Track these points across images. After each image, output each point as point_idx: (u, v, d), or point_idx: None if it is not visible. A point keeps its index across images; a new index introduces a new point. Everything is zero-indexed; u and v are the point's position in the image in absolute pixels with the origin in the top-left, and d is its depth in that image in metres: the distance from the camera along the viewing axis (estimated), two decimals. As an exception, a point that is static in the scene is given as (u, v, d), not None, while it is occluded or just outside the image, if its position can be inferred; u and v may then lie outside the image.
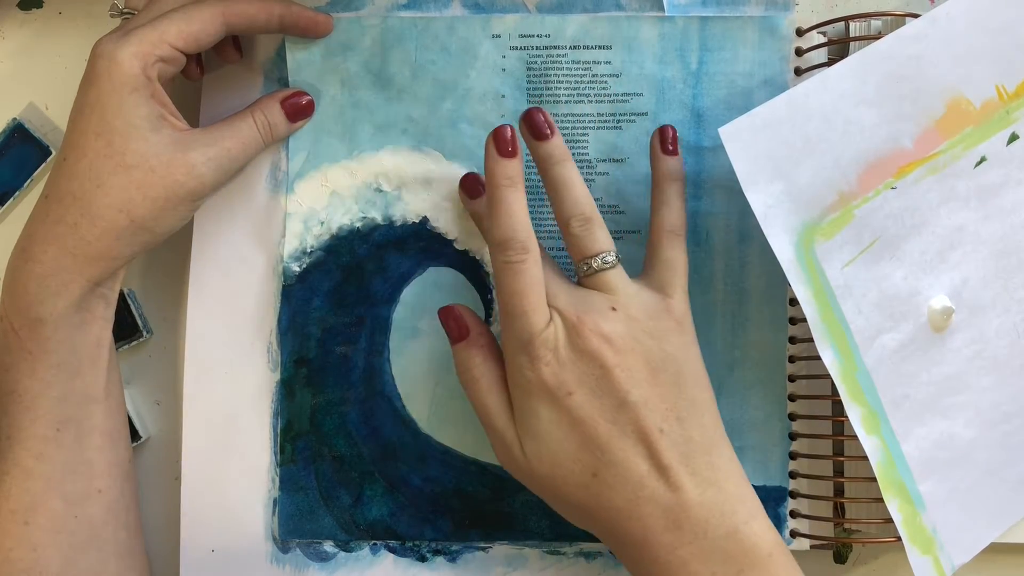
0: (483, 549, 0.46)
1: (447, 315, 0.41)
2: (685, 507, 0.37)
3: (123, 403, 0.45)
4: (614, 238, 0.45)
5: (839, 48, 0.45)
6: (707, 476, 0.37)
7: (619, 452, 0.37)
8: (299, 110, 0.46)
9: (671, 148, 0.42)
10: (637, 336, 0.38)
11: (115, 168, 0.40)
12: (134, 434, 0.47)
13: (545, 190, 0.41)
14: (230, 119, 0.44)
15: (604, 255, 0.39)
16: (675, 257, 0.41)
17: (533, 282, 0.38)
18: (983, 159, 0.43)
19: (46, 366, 0.41)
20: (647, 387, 0.37)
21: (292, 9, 0.44)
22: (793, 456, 0.45)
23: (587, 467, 0.37)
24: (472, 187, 0.45)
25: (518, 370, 0.38)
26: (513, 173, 0.39)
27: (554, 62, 0.46)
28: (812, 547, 0.46)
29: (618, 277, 0.39)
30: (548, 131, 0.40)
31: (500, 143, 0.39)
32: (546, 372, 0.37)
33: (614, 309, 0.38)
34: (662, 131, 0.42)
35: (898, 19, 0.44)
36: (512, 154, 0.39)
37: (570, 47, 0.46)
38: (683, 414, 0.38)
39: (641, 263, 0.46)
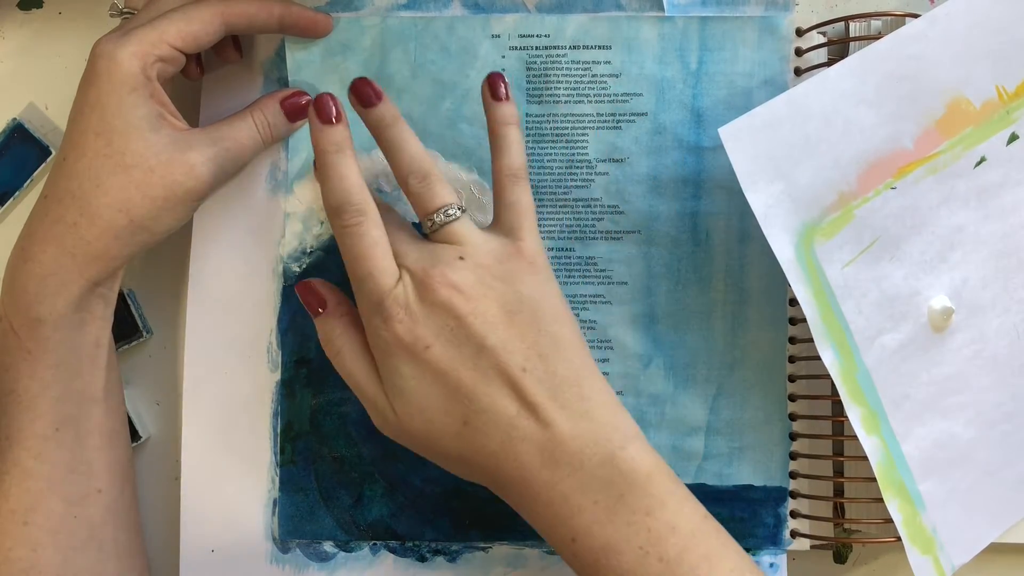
0: (483, 549, 0.46)
1: (304, 290, 0.41)
2: (558, 441, 0.37)
3: (123, 403, 0.45)
4: (614, 238, 0.46)
5: (839, 48, 0.45)
6: (577, 408, 0.37)
7: (485, 397, 0.37)
8: (299, 110, 0.46)
9: (502, 96, 0.41)
10: (487, 282, 0.38)
11: (114, 168, 0.40)
12: (134, 434, 0.47)
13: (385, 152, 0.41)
14: (230, 119, 0.44)
15: (446, 208, 0.39)
16: (519, 199, 0.40)
17: (374, 243, 0.38)
18: (983, 159, 0.43)
19: (45, 366, 0.41)
20: (503, 330, 0.37)
21: (292, 9, 0.44)
22: (793, 456, 0.45)
23: (457, 417, 0.37)
24: (365, 96, 0.41)
25: (375, 332, 0.38)
26: (339, 139, 0.39)
27: (554, 62, 0.46)
28: (812, 547, 0.45)
29: (464, 227, 0.39)
30: (375, 98, 0.40)
31: (322, 112, 0.39)
32: (400, 329, 0.37)
33: (462, 258, 0.38)
34: (491, 80, 0.41)
35: (898, 19, 0.44)
36: (336, 120, 0.39)
37: (570, 47, 0.46)
38: (545, 351, 0.38)
39: (640, 263, 0.46)
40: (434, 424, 0.38)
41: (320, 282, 0.41)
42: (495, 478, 0.38)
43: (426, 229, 0.40)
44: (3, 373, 0.41)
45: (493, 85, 0.41)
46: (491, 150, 0.41)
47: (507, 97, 0.41)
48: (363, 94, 0.40)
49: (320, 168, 0.39)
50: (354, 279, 0.39)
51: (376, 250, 0.38)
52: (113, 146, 0.40)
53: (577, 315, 0.46)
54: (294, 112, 0.45)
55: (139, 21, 0.41)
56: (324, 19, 0.45)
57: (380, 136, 0.40)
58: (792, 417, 0.46)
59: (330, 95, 0.39)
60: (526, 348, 0.37)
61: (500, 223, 0.40)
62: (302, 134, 0.46)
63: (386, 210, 0.40)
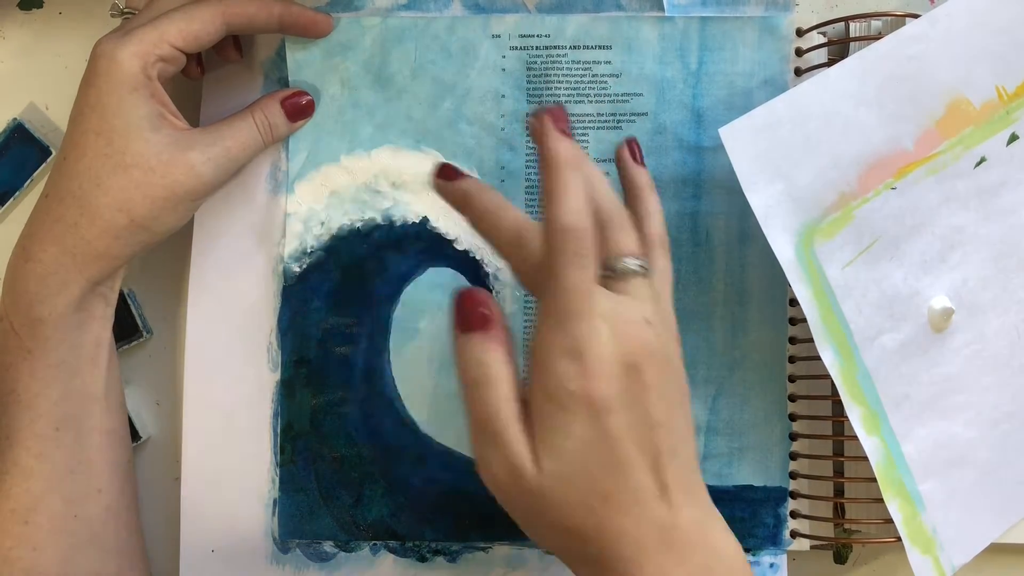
0: (483, 549, 0.46)
1: (471, 299, 0.35)
2: (678, 526, 0.34)
3: (123, 403, 0.45)
4: (614, 238, 0.45)
5: (839, 48, 0.45)
6: (696, 494, 0.35)
7: (635, 474, 0.33)
8: (299, 110, 0.46)
9: (639, 159, 0.41)
10: (667, 352, 0.35)
11: (115, 167, 0.40)
12: (134, 434, 0.47)
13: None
14: (230, 119, 0.44)
15: (634, 258, 0.35)
16: (665, 267, 0.38)
17: (595, 281, 0.33)
18: (983, 159, 0.43)
19: (46, 366, 0.41)
20: (672, 408, 0.34)
21: (292, 9, 0.44)
22: (793, 456, 0.45)
23: (602, 491, 0.33)
24: (450, 172, 0.39)
25: (559, 379, 0.33)
26: (579, 154, 0.35)
27: (554, 62, 0.46)
28: (812, 547, 0.45)
29: (647, 286, 0.35)
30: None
31: (559, 123, 0.35)
32: (594, 385, 0.32)
33: (649, 322, 0.34)
34: (630, 144, 0.41)
35: (898, 19, 0.44)
36: (569, 135, 0.35)
37: (570, 47, 0.46)
38: (687, 434, 0.35)
39: (641, 263, 0.45)
40: (576, 493, 0.33)
41: (487, 294, 0.35)
42: (601, 559, 0.34)
43: (612, 270, 0.35)
44: (3, 372, 0.41)
45: (633, 149, 0.41)
46: (632, 214, 0.38)
47: (641, 162, 0.41)
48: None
49: (556, 181, 0.34)
50: (556, 312, 0.33)
51: (594, 289, 0.33)
52: (114, 146, 0.40)
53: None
54: (295, 112, 0.45)
55: (139, 21, 0.41)
56: (324, 19, 0.45)
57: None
58: (792, 417, 0.46)
59: (561, 107, 0.36)
60: (681, 429, 0.35)
61: None
62: (302, 134, 0.46)
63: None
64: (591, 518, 0.33)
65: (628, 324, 0.33)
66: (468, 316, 0.35)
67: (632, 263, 0.35)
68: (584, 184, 0.34)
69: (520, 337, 0.46)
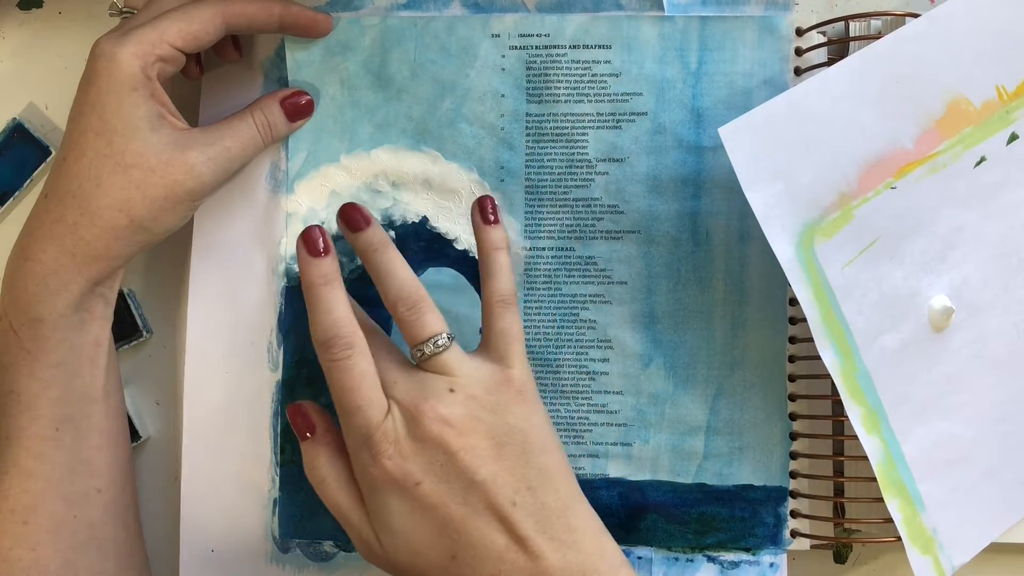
0: (483, 549, 0.46)
1: (294, 413, 0.40)
2: (548, 573, 0.36)
3: (123, 403, 0.45)
4: (614, 238, 0.46)
5: (839, 48, 0.45)
6: (565, 539, 0.37)
7: (475, 532, 0.37)
8: (299, 110, 0.46)
9: (493, 219, 0.41)
10: (477, 414, 0.38)
11: (114, 167, 0.40)
12: (134, 434, 0.47)
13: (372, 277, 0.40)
14: (229, 119, 0.44)
15: (436, 338, 0.38)
16: (509, 326, 0.40)
17: (362, 376, 0.37)
18: (983, 159, 0.43)
19: (45, 365, 0.41)
20: (493, 463, 0.37)
21: (292, 9, 0.44)
22: (793, 456, 0.45)
23: (445, 551, 0.37)
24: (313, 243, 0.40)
25: (362, 467, 0.38)
26: (327, 271, 0.38)
27: (554, 62, 0.46)
28: (812, 547, 0.45)
29: (454, 357, 0.39)
30: (363, 223, 0.40)
31: (311, 245, 0.39)
32: (389, 465, 0.37)
33: (452, 391, 0.38)
34: (480, 202, 0.42)
35: (898, 19, 0.44)
36: (324, 253, 0.39)
37: (570, 46, 0.46)
38: (534, 483, 0.37)
39: (640, 262, 0.46)
40: (421, 557, 0.37)
41: (311, 405, 0.41)
42: None
43: (415, 358, 0.39)
44: (3, 372, 0.41)
45: (483, 208, 0.41)
46: (481, 273, 0.41)
47: (496, 220, 0.41)
48: (352, 219, 0.40)
49: (308, 300, 0.39)
50: (342, 412, 0.38)
51: (364, 383, 0.37)
52: (113, 146, 0.40)
53: (577, 315, 0.46)
54: (294, 112, 0.45)
55: (139, 20, 0.41)
56: (324, 19, 0.45)
57: (369, 260, 0.40)
58: (792, 417, 0.46)
59: (319, 227, 0.39)
60: (515, 481, 0.37)
61: (489, 349, 0.40)
62: (302, 134, 0.46)
63: (374, 335, 0.40)
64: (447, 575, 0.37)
65: (425, 400, 0.37)
66: (295, 427, 0.40)
67: (428, 347, 0.38)
68: (335, 296, 0.38)
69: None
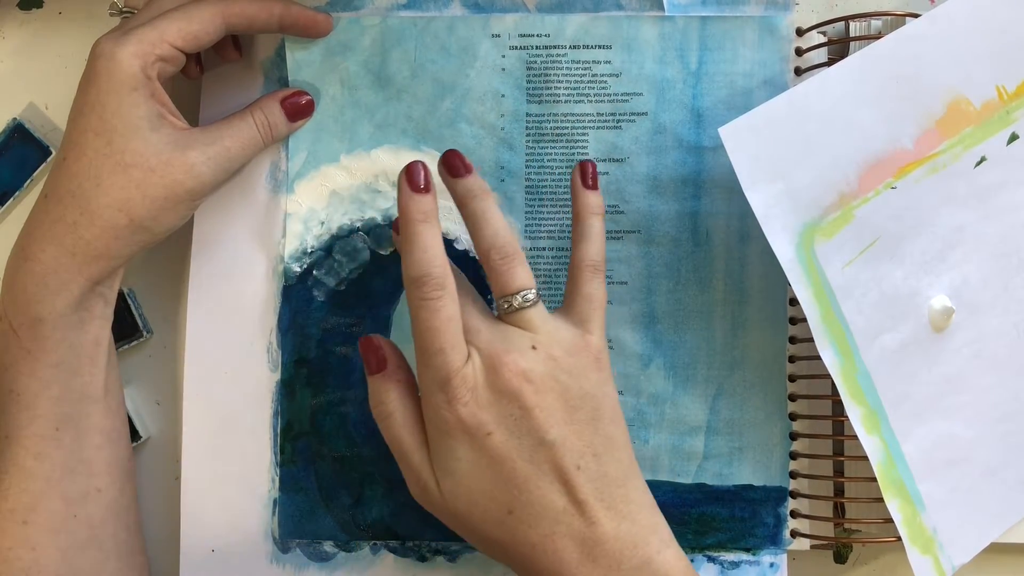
0: (483, 549, 0.46)
1: (366, 346, 0.40)
2: (601, 540, 0.37)
3: (122, 402, 0.45)
4: (614, 238, 0.46)
5: (839, 48, 0.45)
6: (621, 509, 0.37)
7: (536, 490, 0.37)
8: (299, 110, 0.46)
9: (591, 183, 0.41)
10: (556, 375, 0.38)
11: (114, 167, 0.40)
12: (134, 434, 0.47)
13: (467, 222, 0.40)
14: (230, 118, 0.44)
15: (525, 292, 0.38)
16: (595, 292, 0.40)
17: (449, 319, 0.37)
18: (983, 159, 0.43)
19: (45, 365, 0.41)
20: (565, 426, 0.37)
21: (292, 9, 0.44)
22: (793, 456, 0.45)
23: (503, 505, 0.37)
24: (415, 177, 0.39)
25: (435, 409, 0.37)
26: (427, 208, 0.38)
27: (554, 62, 0.46)
28: (812, 547, 0.45)
29: (539, 314, 0.39)
30: (464, 170, 0.40)
31: (412, 179, 0.38)
32: (464, 412, 0.37)
33: (534, 348, 0.38)
34: (582, 166, 0.41)
35: (898, 19, 0.44)
36: (425, 190, 0.38)
37: (570, 47, 0.46)
38: (599, 450, 0.38)
39: (640, 263, 0.46)
40: (479, 507, 0.37)
41: (383, 340, 0.40)
42: (528, 568, 0.38)
43: (500, 310, 0.39)
44: (3, 372, 0.41)
45: (584, 172, 0.41)
46: (573, 237, 0.41)
47: (595, 186, 0.41)
48: (453, 167, 0.39)
49: (405, 236, 0.38)
50: (422, 352, 0.37)
51: (450, 326, 0.37)
52: (113, 146, 0.40)
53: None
54: (294, 111, 0.45)
55: (139, 20, 0.41)
56: (324, 19, 0.45)
57: (466, 207, 0.40)
58: (792, 417, 0.46)
59: (421, 163, 0.38)
60: (583, 446, 0.37)
61: (572, 312, 0.40)
62: (302, 134, 0.46)
63: (460, 280, 0.39)
64: (499, 530, 0.37)
65: (507, 353, 0.37)
66: (367, 361, 0.40)
67: (516, 300, 0.38)
68: (432, 234, 0.38)
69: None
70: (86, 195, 0.40)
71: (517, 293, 0.38)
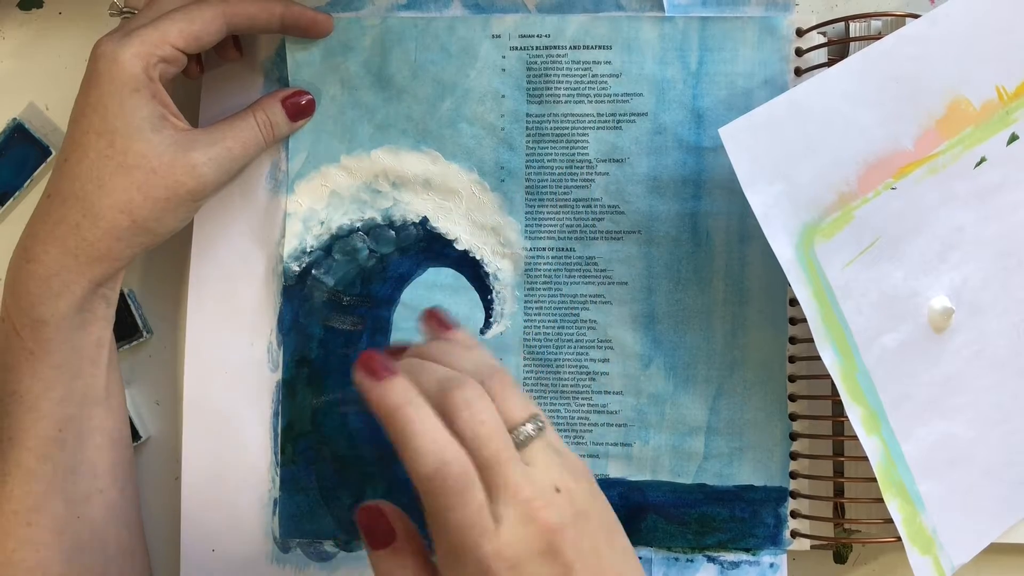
0: (483, 549, 0.46)
1: (368, 516, 0.35)
2: None
3: (124, 403, 0.45)
4: (614, 238, 0.46)
5: (839, 48, 0.45)
6: None
7: None
8: (300, 109, 0.46)
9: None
10: (579, 508, 0.33)
11: (116, 169, 0.40)
12: (134, 434, 0.47)
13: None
14: (231, 118, 0.44)
15: (533, 419, 0.34)
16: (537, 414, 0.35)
17: (480, 508, 0.32)
18: (983, 159, 0.43)
19: (48, 366, 0.41)
20: (596, 561, 0.33)
21: (293, 9, 0.44)
22: (793, 456, 0.45)
23: None
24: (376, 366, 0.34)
25: None
26: (404, 388, 0.33)
27: (554, 62, 0.46)
28: (812, 547, 0.46)
29: (545, 445, 0.34)
30: (385, 371, 0.34)
31: (374, 370, 0.33)
32: None
33: (559, 489, 0.33)
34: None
35: (898, 19, 0.44)
36: (391, 372, 0.33)
37: (570, 47, 0.46)
38: (622, 569, 0.34)
39: (640, 263, 0.46)
40: None
41: (390, 507, 0.35)
42: None
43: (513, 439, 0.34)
44: (5, 374, 0.41)
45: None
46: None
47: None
48: (371, 369, 0.34)
49: (397, 428, 0.33)
50: (453, 547, 0.32)
51: (483, 515, 0.32)
52: (115, 147, 0.40)
53: (577, 315, 0.46)
54: (296, 111, 0.45)
55: (140, 21, 0.41)
56: (325, 19, 0.45)
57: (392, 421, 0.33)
58: (792, 417, 0.46)
59: (373, 350, 0.34)
60: (608, 568, 0.33)
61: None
62: (302, 134, 0.46)
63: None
64: None
65: (543, 509, 0.32)
66: (369, 533, 0.34)
67: (527, 429, 0.34)
68: (426, 415, 0.32)
69: (520, 336, 0.46)
70: (88, 197, 0.40)
71: (523, 424, 0.34)
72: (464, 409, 0.33)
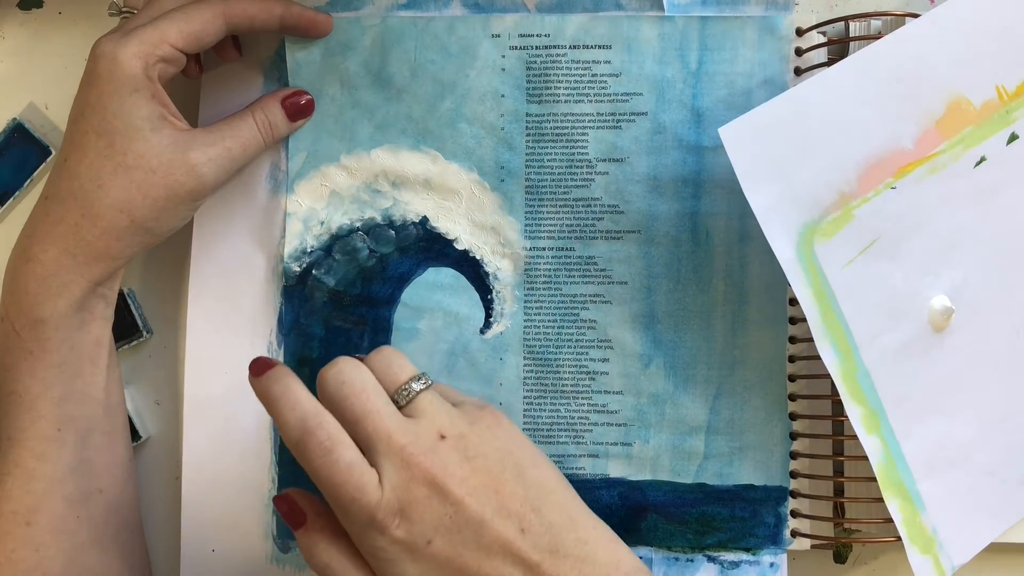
0: (483, 549, 0.46)
1: (280, 503, 0.38)
2: None
3: (123, 403, 0.45)
4: (614, 238, 0.46)
5: (839, 48, 0.45)
6: (578, 553, 0.36)
7: (492, 572, 0.35)
8: (299, 109, 0.46)
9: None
10: (470, 453, 0.36)
11: (116, 168, 0.40)
12: (134, 434, 0.47)
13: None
14: (230, 118, 0.44)
15: (413, 381, 0.37)
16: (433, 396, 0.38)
17: (349, 465, 0.35)
18: (983, 159, 0.43)
19: (47, 366, 0.41)
20: (495, 498, 0.36)
21: (292, 9, 0.44)
22: (794, 456, 0.45)
23: None
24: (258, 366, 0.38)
25: (371, 545, 0.35)
26: (279, 374, 0.36)
27: (554, 62, 0.46)
28: (812, 547, 0.46)
29: (433, 399, 0.37)
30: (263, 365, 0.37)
31: (256, 367, 0.37)
32: (399, 534, 0.35)
33: (443, 437, 0.36)
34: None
35: (898, 19, 0.44)
36: (270, 366, 0.37)
37: (570, 47, 0.46)
38: (536, 503, 0.36)
39: (640, 262, 0.46)
40: None
41: (298, 492, 0.38)
42: None
43: (397, 404, 0.37)
44: (4, 373, 0.41)
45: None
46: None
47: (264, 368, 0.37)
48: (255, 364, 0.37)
49: (267, 403, 0.36)
50: (335, 504, 0.35)
51: (353, 470, 0.35)
52: (115, 147, 0.40)
53: (577, 315, 0.46)
54: (295, 111, 0.45)
55: (139, 21, 0.41)
56: (325, 19, 0.45)
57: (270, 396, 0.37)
58: (792, 417, 0.46)
59: (262, 356, 0.37)
60: (519, 507, 0.36)
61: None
62: (302, 134, 0.46)
63: (355, 367, 0.37)
64: None
65: (419, 456, 0.35)
66: (285, 518, 0.38)
67: (412, 386, 0.37)
68: (294, 388, 0.36)
69: (520, 336, 0.46)
70: (88, 196, 0.40)
71: (405, 384, 0.37)
72: (332, 379, 0.36)
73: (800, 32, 0.45)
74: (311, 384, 0.46)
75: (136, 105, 0.40)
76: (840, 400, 0.42)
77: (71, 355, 0.41)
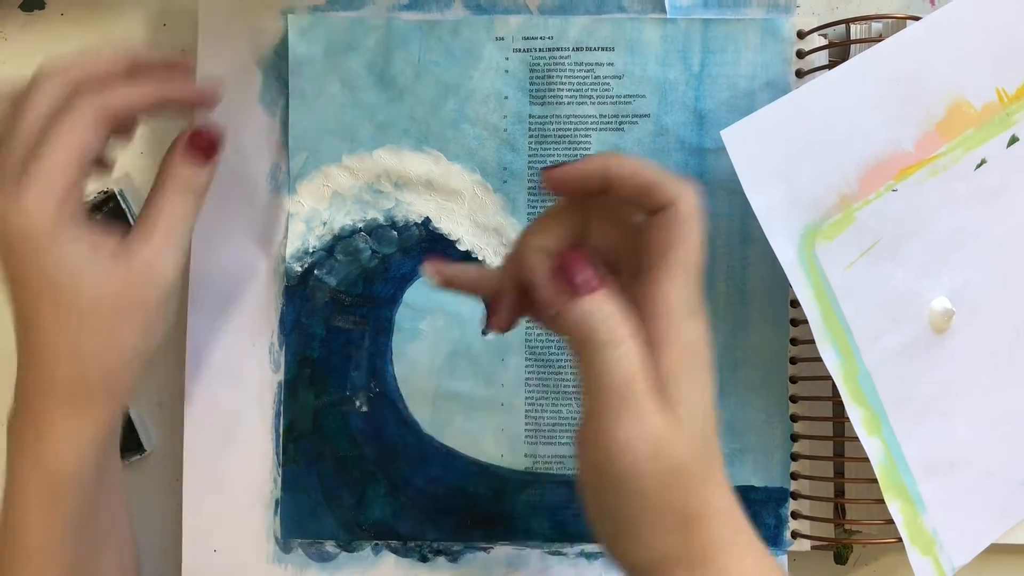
0: (484, 550, 0.46)
1: (572, 261, 0.33)
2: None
3: (129, 523, 0.43)
4: (616, 239, 0.45)
5: (840, 50, 0.46)
6: None
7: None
8: (205, 149, 0.39)
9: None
10: None
11: (80, 322, 0.36)
12: (138, 447, 0.47)
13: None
14: (151, 201, 0.39)
15: None
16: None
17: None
18: (983, 161, 0.43)
19: (60, 518, 0.38)
20: None
21: (171, 87, 0.39)
22: (794, 457, 0.46)
23: (711, 459, 0.33)
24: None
25: (694, 339, 0.34)
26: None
27: (557, 64, 0.46)
28: (813, 548, 0.46)
29: None
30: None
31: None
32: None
33: None
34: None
35: (899, 22, 0.44)
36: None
37: (573, 49, 0.46)
38: None
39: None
40: (702, 463, 0.33)
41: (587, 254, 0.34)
42: (688, 543, 0.33)
43: None
44: (15, 528, 0.38)
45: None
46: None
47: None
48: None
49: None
50: (686, 279, 0.35)
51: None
52: (67, 305, 0.36)
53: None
54: (201, 154, 0.39)
55: (12, 159, 0.36)
56: (211, 93, 0.41)
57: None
58: (793, 418, 0.46)
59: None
60: None
61: None
62: (304, 134, 0.47)
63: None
64: (700, 493, 0.32)
65: None
66: (572, 276, 0.33)
67: None
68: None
69: (522, 336, 0.46)
70: (69, 358, 0.37)
71: None
72: None
73: (801, 35, 0.45)
74: (311, 386, 0.47)
75: (64, 257, 0.36)
76: (841, 401, 0.42)
77: (83, 502, 0.38)
